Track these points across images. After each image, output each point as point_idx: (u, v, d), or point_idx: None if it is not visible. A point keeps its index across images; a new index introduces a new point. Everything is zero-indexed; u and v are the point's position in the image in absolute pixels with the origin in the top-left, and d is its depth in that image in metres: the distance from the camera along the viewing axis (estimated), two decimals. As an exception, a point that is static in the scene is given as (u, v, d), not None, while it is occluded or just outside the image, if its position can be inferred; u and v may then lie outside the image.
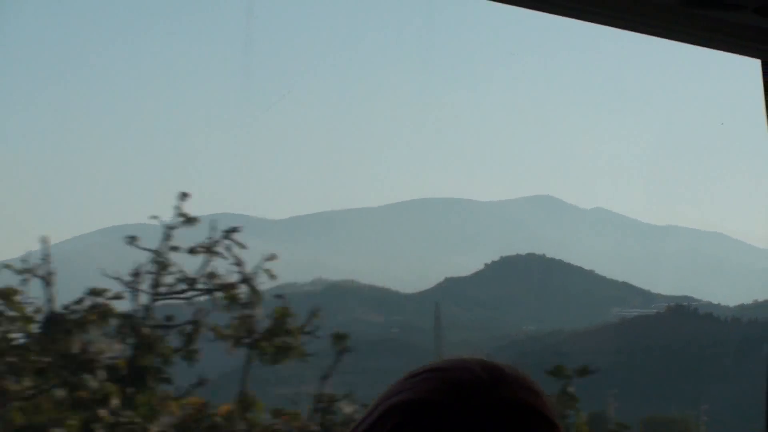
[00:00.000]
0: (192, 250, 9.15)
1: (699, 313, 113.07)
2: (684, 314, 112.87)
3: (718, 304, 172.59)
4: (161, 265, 8.73)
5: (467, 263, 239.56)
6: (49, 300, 8.52)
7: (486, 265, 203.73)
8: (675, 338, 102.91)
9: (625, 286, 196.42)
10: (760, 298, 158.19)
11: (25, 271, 8.21)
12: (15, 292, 7.80)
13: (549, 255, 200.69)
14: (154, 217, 10.20)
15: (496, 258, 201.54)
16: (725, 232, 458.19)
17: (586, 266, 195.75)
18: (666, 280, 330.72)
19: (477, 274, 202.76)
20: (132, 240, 9.56)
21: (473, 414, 1.45)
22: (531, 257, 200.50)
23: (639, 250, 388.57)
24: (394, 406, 1.46)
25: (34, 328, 7.97)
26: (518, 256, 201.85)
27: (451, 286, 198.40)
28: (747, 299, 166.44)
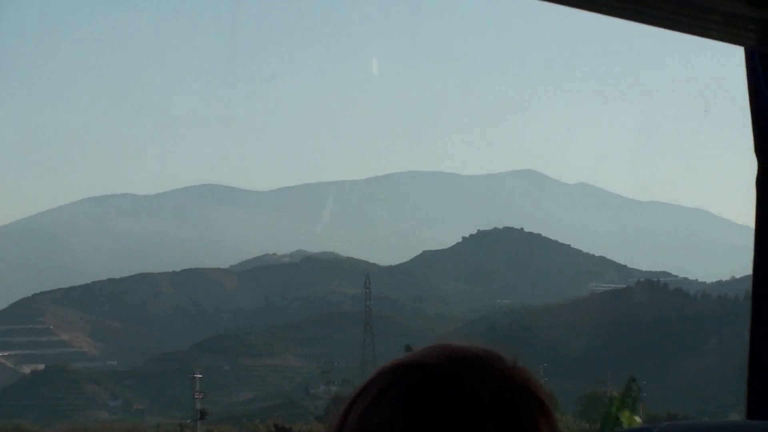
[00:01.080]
0: None
1: (669, 289, 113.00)
2: (654, 289, 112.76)
3: (696, 280, 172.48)
4: None
5: (446, 236, 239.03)
6: None
7: (464, 238, 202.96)
8: (644, 313, 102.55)
9: (602, 260, 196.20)
10: (738, 275, 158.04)
11: None
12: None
13: (528, 229, 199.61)
14: None
15: (474, 231, 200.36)
16: (708, 209, 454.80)
17: (564, 240, 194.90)
18: (648, 255, 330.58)
19: (454, 247, 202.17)
20: None
21: (468, 380, 1.47)
22: (508, 231, 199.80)
23: (622, 226, 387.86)
24: (389, 367, 1.51)
25: None
26: (495, 230, 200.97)
27: (428, 258, 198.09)
28: (726, 275, 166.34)
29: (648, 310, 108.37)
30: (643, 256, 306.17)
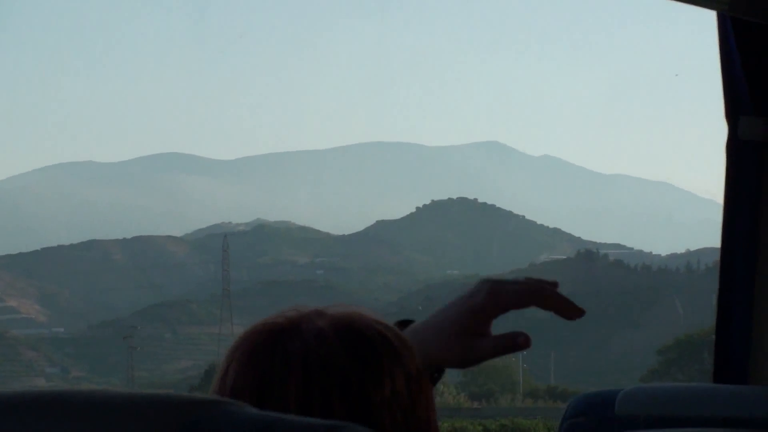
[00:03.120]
0: None
1: (608, 260, 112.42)
2: (592, 261, 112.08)
3: (650, 253, 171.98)
4: None
5: (403, 207, 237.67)
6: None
7: (417, 208, 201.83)
8: (583, 285, 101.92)
9: (557, 232, 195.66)
10: (693, 248, 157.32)
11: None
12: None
13: (482, 200, 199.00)
14: None
15: (428, 201, 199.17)
16: (673, 182, 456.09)
17: (518, 212, 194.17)
18: (607, 228, 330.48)
19: (407, 217, 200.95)
20: None
21: (306, 324, 1.52)
22: (462, 201, 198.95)
23: (584, 198, 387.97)
24: (243, 333, 1.57)
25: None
26: (449, 200, 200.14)
27: (381, 228, 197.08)
28: (681, 248, 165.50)
29: (586, 281, 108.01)
30: (602, 229, 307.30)
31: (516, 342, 1.61)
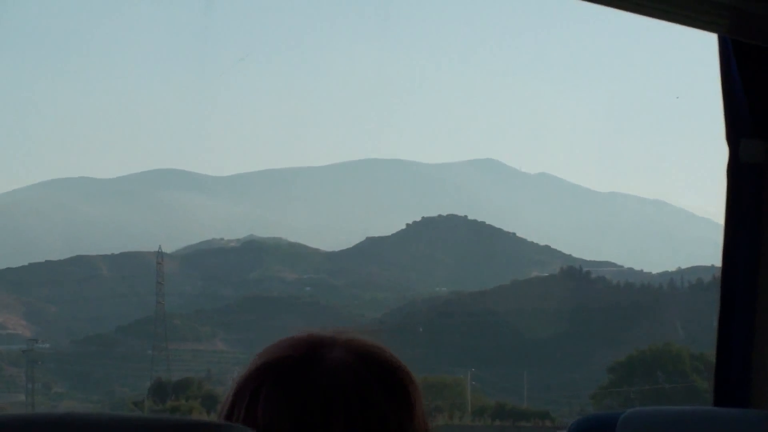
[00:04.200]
0: None
1: (591, 277, 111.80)
2: (575, 278, 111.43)
3: (641, 270, 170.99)
4: None
5: (393, 224, 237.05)
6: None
7: (407, 225, 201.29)
8: (565, 302, 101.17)
9: (547, 249, 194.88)
10: (684, 265, 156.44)
11: None
12: None
13: (472, 217, 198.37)
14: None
15: (417, 218, 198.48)
16: (668, 200, 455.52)
17: (509, 229, 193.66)
18: (600, 245, 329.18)
19: (397, 234, 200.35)
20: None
21: (323, 357, 1.54)
22: (452, 218, 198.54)
23: (578, 216, 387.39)
24: (251, 372, 1.57)
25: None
26: (439, 217, 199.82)
27: (371, 245, 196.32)
28: (675, 266, 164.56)
29: (568, 298, 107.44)
30: (596, 247, 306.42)
31: None
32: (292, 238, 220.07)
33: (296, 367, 1.53)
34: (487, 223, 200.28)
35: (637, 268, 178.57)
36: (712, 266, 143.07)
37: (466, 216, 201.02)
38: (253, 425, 1.47)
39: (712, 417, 2.50)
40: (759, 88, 2.95)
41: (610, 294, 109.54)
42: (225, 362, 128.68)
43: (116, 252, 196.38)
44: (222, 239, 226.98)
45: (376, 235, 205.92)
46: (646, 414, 2.46)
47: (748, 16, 2.81)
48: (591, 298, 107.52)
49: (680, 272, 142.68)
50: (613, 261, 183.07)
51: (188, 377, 70.69)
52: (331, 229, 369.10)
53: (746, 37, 2.89)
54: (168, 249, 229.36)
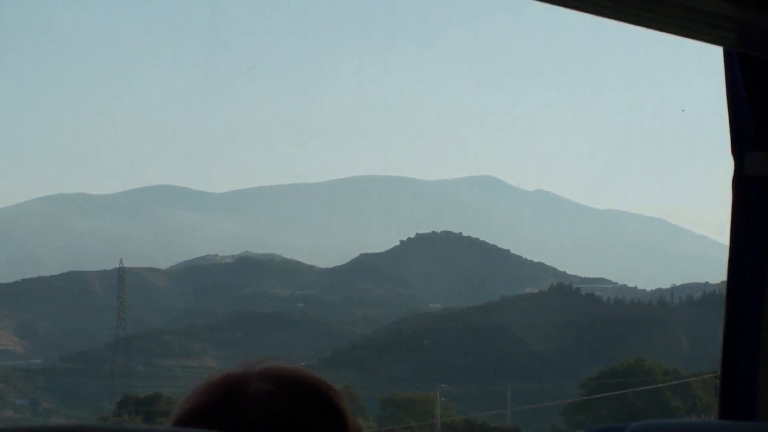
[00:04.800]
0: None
1: (581, 293, 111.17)
2: (566, 294, 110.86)
3: (635, 287, 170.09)
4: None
5: (388, 240, 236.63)
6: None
7: (401, 241, 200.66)
8: (554, 318, 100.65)
9: (541, 266, 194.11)
10: (678, 282, 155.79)
11: None
12: None
13: (467, 233, 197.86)
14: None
15: (412, 235, 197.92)
16: (665, 217, 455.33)
17: (503, 246, 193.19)
18: (595, 263, 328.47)
19: (391, 251, 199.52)
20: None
21: (240, 401, 1.56)
22: (446, 235, 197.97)
23: (574, 233, 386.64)
24: (176, 420, 1.59)
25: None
26: (434, 234, 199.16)
27: (365, 261, 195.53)
28: (667, 284, 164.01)
29: (557, 314, 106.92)
30: (590, 264, 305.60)
31: None
32: (287, 255, 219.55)
33: (219, 409, 1.52)
34: (481, 239, 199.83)
35: (630, 285, 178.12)
36: (706, 283, 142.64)
37: (460, 233, 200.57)
38: None
39: (717, 429, 2.49)
40: (764, 101, 2.97)
41: (600, 310, 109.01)
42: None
43: (109, 268, 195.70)
44: (216, 255, 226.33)
45: (371, 251, 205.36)
46: (652, 427, 2.43)
47: (754, 29, 2.80)
48: (580, 314, 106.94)
49: (672, 289, 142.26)
50: (608, 278, 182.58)
51: (158, 392, 70.14)
52: (327, 245, 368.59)
53: (752, 50, 2.91)
54: (163, 265, 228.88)
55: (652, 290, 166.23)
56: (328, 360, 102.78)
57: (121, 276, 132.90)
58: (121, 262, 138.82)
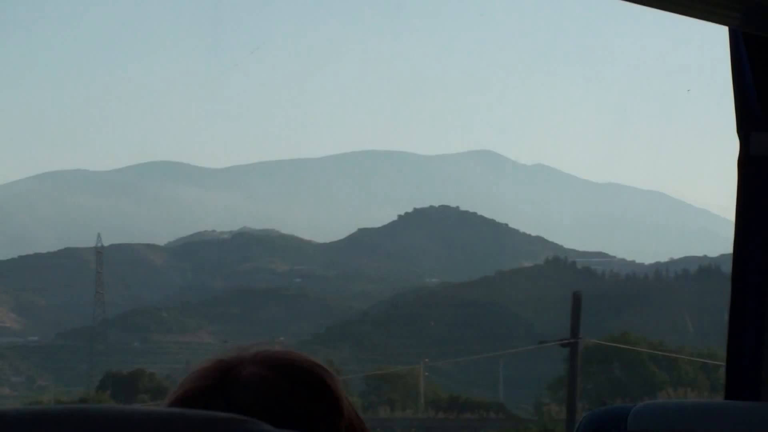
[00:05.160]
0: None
1: (577, 267, 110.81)
2: (561, 268, 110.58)
3: (633, 261, 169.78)
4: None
5: (386, 215, 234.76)
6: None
7: (399, 216, 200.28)
8: (548, 293, 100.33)
9: (539, 240, 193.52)
10: (676, 256, 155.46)
11: None
12: None
13: (464, 208, 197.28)
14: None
15: (409, 209, 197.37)
16: (665, 191, 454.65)
17: (501, 220, 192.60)
18: (593, 236, 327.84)
19: (388, 226, 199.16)
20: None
21: (233, 385, 1.56)
22: (444, 209, 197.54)
23: (574, 207, 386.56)
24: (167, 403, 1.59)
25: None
26: (431, 208, 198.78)
27: (362, 236, 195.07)
28: (665, 257, 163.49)
29: (552, 288, 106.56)
30: (589, 237, 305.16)
31: None
32: (286, 230, 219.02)
33: (213, 394, 1.53)
34: (479, 213, 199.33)
35: (629, 258, 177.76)
36: (704, 256, 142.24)
37: (458, 207, 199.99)
38: None
39: (723, 410, 2.53)
40: None
41: (596, 284, 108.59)
42: (211, 354, 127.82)
43: (107, 244, 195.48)
44: (214, 231, 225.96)
45: (370, 226, 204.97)
46: (657, 407, 2.50)
47: (759, 8, 2.80)
48: (576, 288, 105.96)
49: (671, 263, 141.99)
50: (606, 252, 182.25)
51: (141, 369, 70.00)
52: (325, 221, 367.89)
53: (758, 30, 2.91)
54: (161, 241, 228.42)
55: (650, 264, 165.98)
56: (323, 336, 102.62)
57: (99, 252, 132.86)
58: (99, 237, 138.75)
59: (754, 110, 3.00)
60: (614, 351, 47.85)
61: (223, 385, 1.54)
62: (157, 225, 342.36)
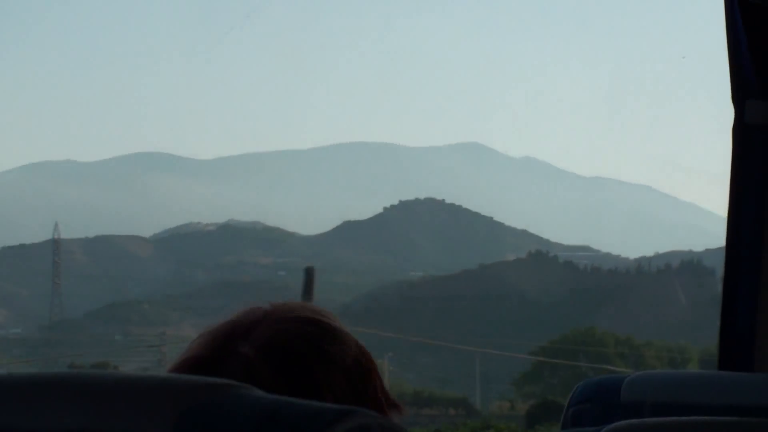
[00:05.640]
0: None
1: (558, 261, 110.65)
2: (542, 261, 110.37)
3: (618, 255, 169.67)
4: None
5: (372, 207, 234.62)
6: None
7: (384, 208, 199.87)
8: (529, 286, 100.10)
9: (525, 233, 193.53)
10: (662, 250, 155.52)
11: None
12: None
13: (450, 200, 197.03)
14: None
15: (395, 202, 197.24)
16: (653, 185, 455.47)
17: (486, 213, 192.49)
18: (579, 230, 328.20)
19: (374, 218, 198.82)
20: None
21: (224, 363, 1.54)
22: (430, 202, 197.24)
23: (561, 200, 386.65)
24: (174, 367, 1.56)
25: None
26: (417, 201, 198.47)
27: (347, 229, 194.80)
28: (651, 251, 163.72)
29: (532, 282, 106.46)
30: (577, 231, 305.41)
31: None
32: (271, 223, 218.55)
33: (206, 367, 1.51)
34: (464, 206, 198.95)
35: (614, 252, 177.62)
36: (690, 251, 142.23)
37: (443, 199, 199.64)
38: None
39: (716, 380, 2.55)
40: (765, 49, 3.00)
41: (577, 278, 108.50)
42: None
43: (91, 236, 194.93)
44: (199, 223, 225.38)
45: (355, 218, 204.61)
46: (650, 377, 2.51)
47: None
48: (557, 282, 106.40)
49: (656, 257, 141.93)
50: (592, 246, 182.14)
51: (105, 361, 69.61)
52: (311, 212, 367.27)
53: None
54: (146, 233, 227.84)
55: (635, 258, 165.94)
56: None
57: (56, 240, 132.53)
58: (56, 227, 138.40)
59: (749, 78, 2.99)
60: (582, 344, 47.75)
61: (218, 359, 1.53)
62: (144, 217, 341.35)
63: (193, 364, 1.51)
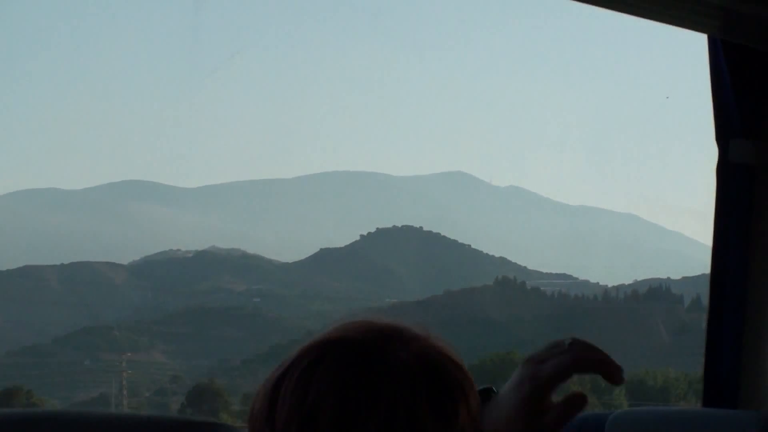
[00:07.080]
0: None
1: (526, 288, 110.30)
2: (510, 288, 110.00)
3: (597, 283, 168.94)
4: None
5: (349, 235, 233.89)
6: None
7: (361, 236, 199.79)
8: (499, 312, 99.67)
9: (503, 261, 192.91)
10: (640, 277, 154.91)
11: None
12: None
13: (428, 228, 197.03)
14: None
15: (372, 230, 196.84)
16: (640, 214, 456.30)
17: (464, 241, 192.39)
18: (561, 258, 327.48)
19: (351, 245, 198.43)
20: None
21: (391, 349, 1.49)
22: (407, 229, 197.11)
23: (544, 229, 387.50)
24: (313, 344, 1.52)
25: None
26: (394, 228, 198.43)
27: (324, 256, 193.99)
28: (631, 279, 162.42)
29: (500, 309, 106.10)
30: (556, 259, 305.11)
31: (574, 405, 1.58)
32: (252, 250, 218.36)
33: (364, 354, 1.46)
34: (442, 234, 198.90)
35: (593, 281, 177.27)
36: (668, 279, 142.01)
37: (421, 227, 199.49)
38: (304, 391, 1.41)
39: (701, 417, 2.51)
40: (748, 88, 2.98)
41: (541, 305, 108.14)
42: (163, 373, 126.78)
43: (66, 262, 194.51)
44: (179, 250, 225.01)
45: (333, 246, 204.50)
46: (634, 414, 2.47)
47: (738, 16, 2.80)
48: (523, 309, 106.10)
49: (636, 284, 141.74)
50: (573, 274, 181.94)
51: (18, 386, 68.40)
52: (291, 240, 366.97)
53: (736, 38, 2.91)
54: (125, 260, 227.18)
55: (614, 285, 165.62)
56: (264, 355, 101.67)
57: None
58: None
59: (732, 117, 2.95)
60: (500, 369, 47.20)
61: (378, 352, 1.47)
62: (125, 244, 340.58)
63: (355, 347, 1.47)
